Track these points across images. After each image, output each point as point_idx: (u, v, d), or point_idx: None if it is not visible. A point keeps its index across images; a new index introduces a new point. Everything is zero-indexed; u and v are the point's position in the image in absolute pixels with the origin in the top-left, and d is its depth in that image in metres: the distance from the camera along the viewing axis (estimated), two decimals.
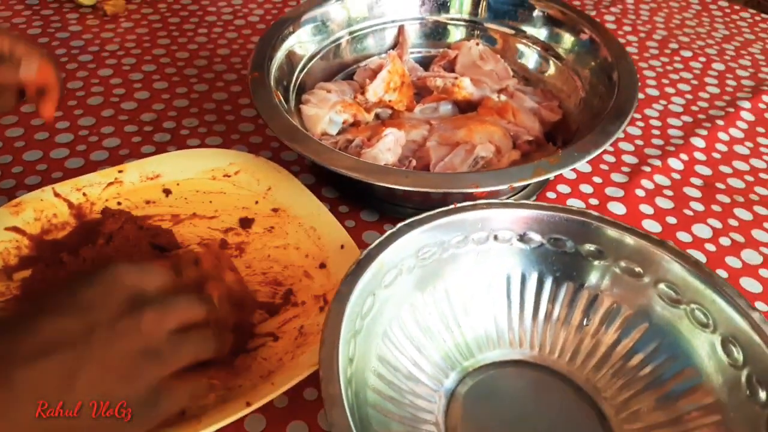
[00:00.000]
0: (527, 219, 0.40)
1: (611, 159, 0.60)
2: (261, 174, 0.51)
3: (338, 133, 0.55)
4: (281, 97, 0.50)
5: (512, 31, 0.63)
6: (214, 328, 0.31)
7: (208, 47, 0.72)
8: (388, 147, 0.48)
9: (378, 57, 0.61)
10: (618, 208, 0.54)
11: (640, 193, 0.56)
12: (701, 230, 0.53)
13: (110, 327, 0.28)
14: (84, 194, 0.48)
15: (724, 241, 0.52)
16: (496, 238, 0.40)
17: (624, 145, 0.62)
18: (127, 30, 0.74)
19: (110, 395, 0.27)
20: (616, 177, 0.58)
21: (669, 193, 0.57)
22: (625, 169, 0.59)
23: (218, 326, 0.32)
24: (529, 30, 0.62)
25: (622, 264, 0.39)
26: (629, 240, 0.39)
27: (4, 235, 0.44)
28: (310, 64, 0.58)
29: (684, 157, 0.61)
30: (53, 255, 0.44)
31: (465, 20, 0.65)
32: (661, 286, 0.38)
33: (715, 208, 0.55)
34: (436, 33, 0.65)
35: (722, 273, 0.49)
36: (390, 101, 0.56)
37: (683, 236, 0.52)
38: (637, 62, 0.76)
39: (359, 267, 0.36)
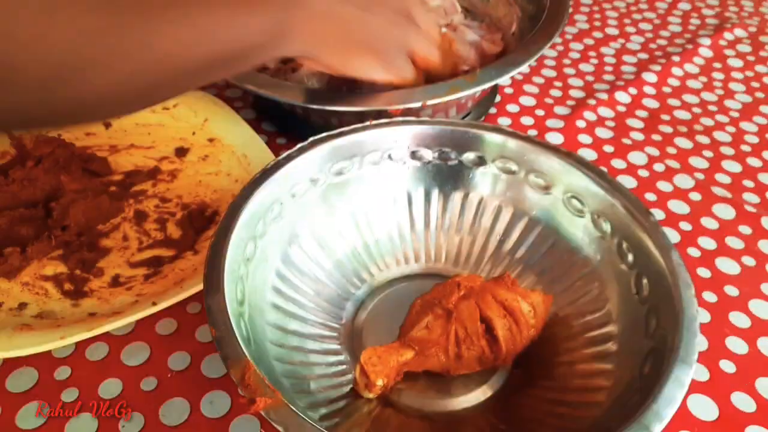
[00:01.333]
0: (420, 135, 0.41)
1: (557, 93, 0.60)
2: (199, 106, 0.52)
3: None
4: None
5: None
6: None
7: None
8: (313, 71, 0.49)
9: None
10: (555, 138, 0.55)
11: (580, 124, 0.56)
12: (637, 157, 0.53)
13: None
14: None
15: (658, 167, 0.52)
16: (390, 157, 0.41)
17: (574, 81, 0.62)
18: None
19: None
20: (559, 110, 0.58)
21: (611, 124, 0.57)
22: (570, 102, 0.59)
23: None
24: None
25: (499, 164, 0.41)
26: (509, 143, 0.40)
27: None
28: None
29: (632, 90, 0.61)
30: None
31: None
32: (532, 177, 0.40)
33: (655, 137, 0.55)
34: None
35: (651, 196, 0.49)
36: None
37: (617, 163, 0.52)
38: (600, 3, 0.76)
39: (264, 175, 0.37)
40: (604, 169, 0.39)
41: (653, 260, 0.34)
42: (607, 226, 0.37)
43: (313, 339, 0.36)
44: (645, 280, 0.34)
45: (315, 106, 0.44)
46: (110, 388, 0.35)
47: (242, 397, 0.26)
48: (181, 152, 0.50)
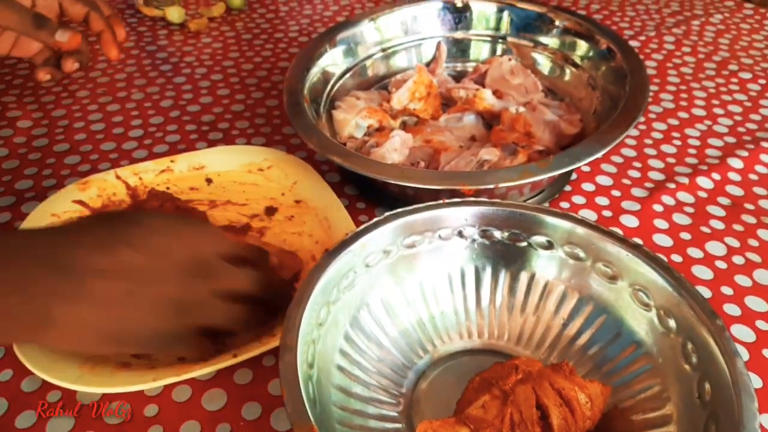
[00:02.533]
0: (490, 216, 0.43)
1: (636, 174, 0.60)
2: (289, 169, 0.57)
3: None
4: (309, 101, 0.56)
5: (531, 44, 0.66)
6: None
7: (271, 60, 0.80)
8: (395, 147, 0.52)
9: (412, 70, 0.66)
10: (630, 221, 0.55)
11: (657, 208, 0.56)
12: (715, 247, 0.52)
13: (171, 274, 0.35)
14: (140, 178, 0.56)
15: (738, 259, 0.51)
16: (460, 234, 0.43)
17: (654, 162, 0.62)
18: (204, 44, 0.84)
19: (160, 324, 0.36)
20: (636, 192, 0.58)
21: (690, 210, 0.56)
22: (648, 185, 0.59)
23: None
24: (549, 42, 0.65)
25: (567, 249, 0.42)
26: (577, 230, 0.42)
27: (71, 207, 0.53)
28: (344, 78, 0.64)
29: (716, 176, 0.60)
30: None
31: (485, 35, 0.69)
32: (599, 265, 0.41)
33: (737, 227, 0.54)
34: (466, 49, 0.69)
35: (727, 290, 0.48)
36: (415, 110, 0.60)
37: (694, 252, 0.52)
38: (688, 83, 0.75)
39: (342, 245, 0.41)
40: (672, 263, 0.39)
41: (717, 365, 0.34)
42: (672, 323, 0.38)
43: (373, 404, 0.39)
44: (707, 385, 0.34)
45: (393, 181, 0.47)
46: (189, 429, 0.39)
47: None
48: (270, 211, 0.55)
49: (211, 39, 0.85)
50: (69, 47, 0.51)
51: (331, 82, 0.62)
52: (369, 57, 0.66)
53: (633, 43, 0.83)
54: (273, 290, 0.43)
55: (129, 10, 0.92)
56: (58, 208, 0.52)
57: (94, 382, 0.38)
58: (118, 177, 0.56)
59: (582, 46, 0.62)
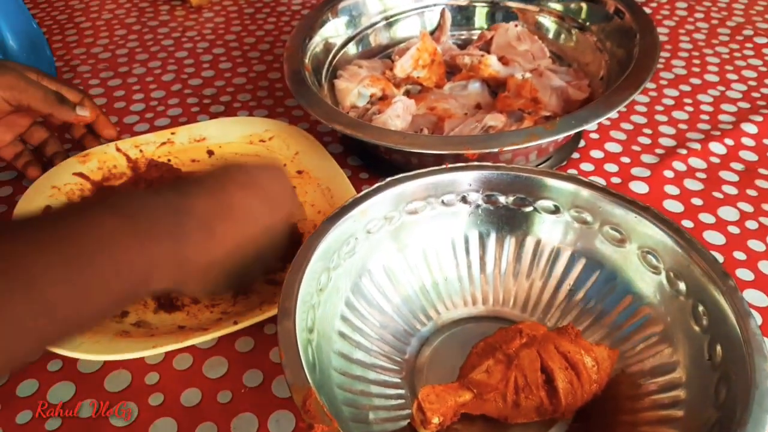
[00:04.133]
0: (494, 180, 0.42)
1: (646, 141, 0.59)
2: (291, 140, 0.57)
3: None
4: (310, 71, 0.55)
5: (536, 8, 0.64)
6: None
7: (273, 33, 0.79)
8: (397, 114, 0.51)
9: (415, 38, 0.64)
10: (640, 187, 0.53)
11: (668, 174, 0.55)
12: (728, 213, 0.51)
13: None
14: (141, 150, 0.56)
15: (751, 224, 0.49)
16: (464, 200, 0.42)
17: (665, 128, 0.61)
18: (207, 19, 0.83)
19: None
20: (647, 158, 0.57)
21: (702, 176, 0.54)
22: (659, 151, 0.58)
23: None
24: (555, 6, 0.63)
25: (573, 213, 0.41)
26: (582, 192, 0.41)
27: (72, 179, 0.52)
28: (346, 47, 0.62)
29: (729, 141, 0.58)
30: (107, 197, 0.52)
31: (489, 1, 0.67)
32: (606, 228, 0.40)
33: (751, 192, 0.53)
34: (471, 17, 0.68)
35: (740, 255, 0.47)
36: (419, 78, 0.59)
37: (706, 217, 0.50)
38: (701, 48, 0.73)
39: (342, 211, 0.40)
40: (681, 225, 0.38)
41: (729, 326, 0.33)
42: (682, 286, 0.36)
43: (375, 370, 0.38)
44: (719, 346, 0.33)
45: (396, 147, 0.46)
46: (190, 397, 0.39)
47: (303, 421, 0.28)
48: None
49: (213, 14, 0.84)
50: (88, 121, 0.53)
51: (333, 51, 0.61)
52: (372, 26, 0.64)
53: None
54: None
55: None
56: (59, 180, 0.52)
57: (94, 349, 0.38)
58: (118, 149, 0.55)
59: (588, 8, 0.60)
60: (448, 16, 0.67)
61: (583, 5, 0.61)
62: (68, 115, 0.51)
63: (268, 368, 0.40)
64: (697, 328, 0.35)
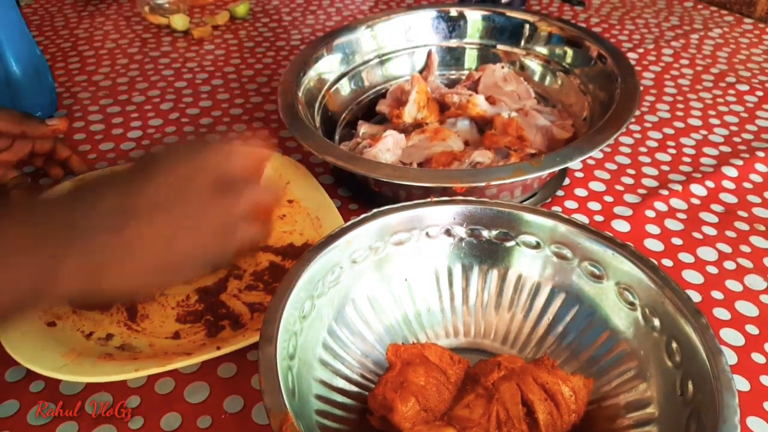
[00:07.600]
0: (477, 215, 0.43)
1: (629, 181, 0.60)
2: (283, 170, 0.58)
3: None
4: (304, 103, 0.57)
5: (522, 51, 0.67)
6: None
7: (272, 67, 0.81)
8: (387, 147, 0.53)
9: (403, 79, 0.67)
10: (622, 226, 0.55)
11: (650, 213, 0.56)
12: (707, 253, 0.52)
13: (201, 201, 0.34)
14: None
15: (729, 264, 0.50)
16: (448, 233, 0.43)
17: (648, 170, 0.62)
18: (207, 51, 0.85)
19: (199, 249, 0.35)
20: (629, 198, 0.58)
21: (682, 216, 0.56)
22: (642, 191, 0.59)
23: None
24: (541, 50, 0.66)
25: (554, 248, 0.42)
26: (560, 228, 0.42)
27: None
28: (340, 82, 0.64)
29: (710, 184, 0.60)
30: None
31: (478, 44, 0.70)
32: (585, 264, 0.41)
33: (730, 233, 0.54)
34: (460, 57, 0.70)
35: (717, 294, 0.48)
36: (422, 118, 0.61)
37: (685, 257, 0.51)
38: (685, 94, 0.76)
39: (328, 240, 0.41)
40: (659, 264, 0.39)
41: (700, 362, 0.33)
42: (657, 322, 0.37)
43: (356, 399, 0.38)
44: (690, 383, 0.34)
45: (385, 179, 0.47)
46: (171, 421, 0.39)
47: None
48: None
49: (213, 46, 0.87)
50: (62, 130, 0.55)
51: (326, 86, 0.63)
52: (365, 63, 0.67)
53: (631, 56, 0.83)
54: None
55: (135, 18, 0.94)
56: None
57: (77, 371, 0.38)
58: None
59: (573, 53, 0.63)
60: (435, 56, 0.69)
61: (568, 50, 0.63)
62: (40, 128, 0.52)
63: (249, 395, 0.41)
64: (670, 364, 0.35)
